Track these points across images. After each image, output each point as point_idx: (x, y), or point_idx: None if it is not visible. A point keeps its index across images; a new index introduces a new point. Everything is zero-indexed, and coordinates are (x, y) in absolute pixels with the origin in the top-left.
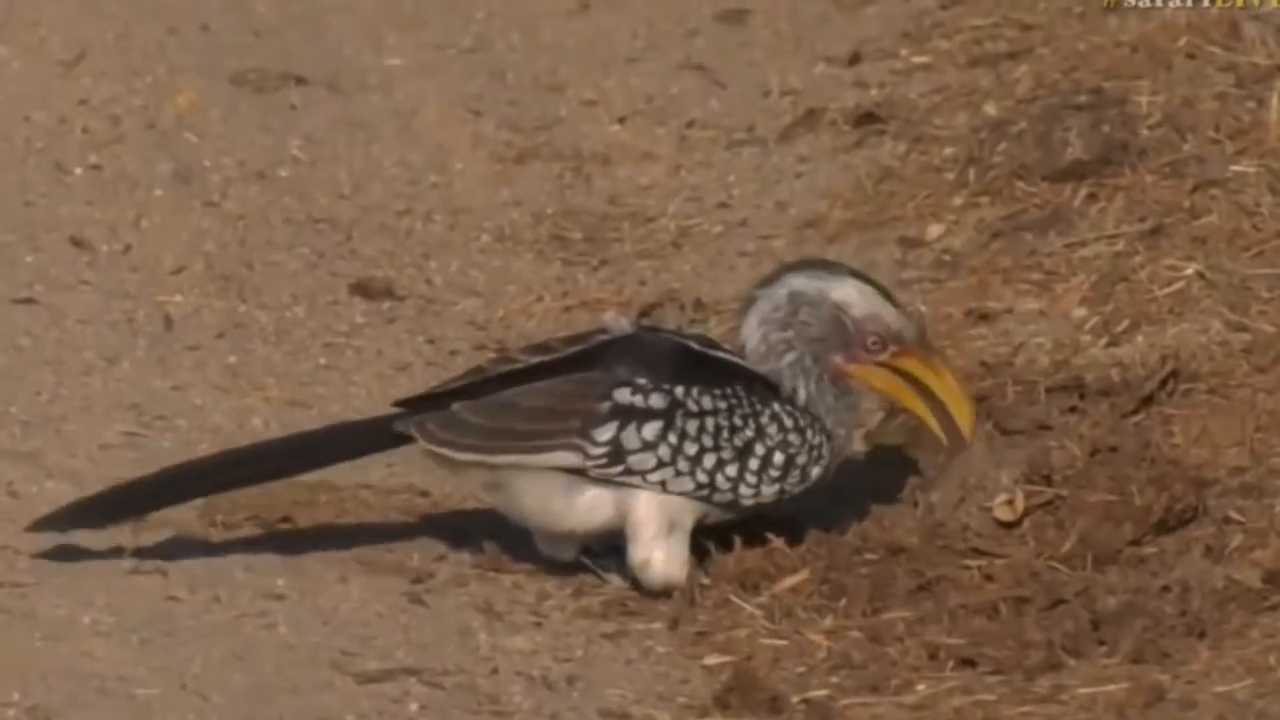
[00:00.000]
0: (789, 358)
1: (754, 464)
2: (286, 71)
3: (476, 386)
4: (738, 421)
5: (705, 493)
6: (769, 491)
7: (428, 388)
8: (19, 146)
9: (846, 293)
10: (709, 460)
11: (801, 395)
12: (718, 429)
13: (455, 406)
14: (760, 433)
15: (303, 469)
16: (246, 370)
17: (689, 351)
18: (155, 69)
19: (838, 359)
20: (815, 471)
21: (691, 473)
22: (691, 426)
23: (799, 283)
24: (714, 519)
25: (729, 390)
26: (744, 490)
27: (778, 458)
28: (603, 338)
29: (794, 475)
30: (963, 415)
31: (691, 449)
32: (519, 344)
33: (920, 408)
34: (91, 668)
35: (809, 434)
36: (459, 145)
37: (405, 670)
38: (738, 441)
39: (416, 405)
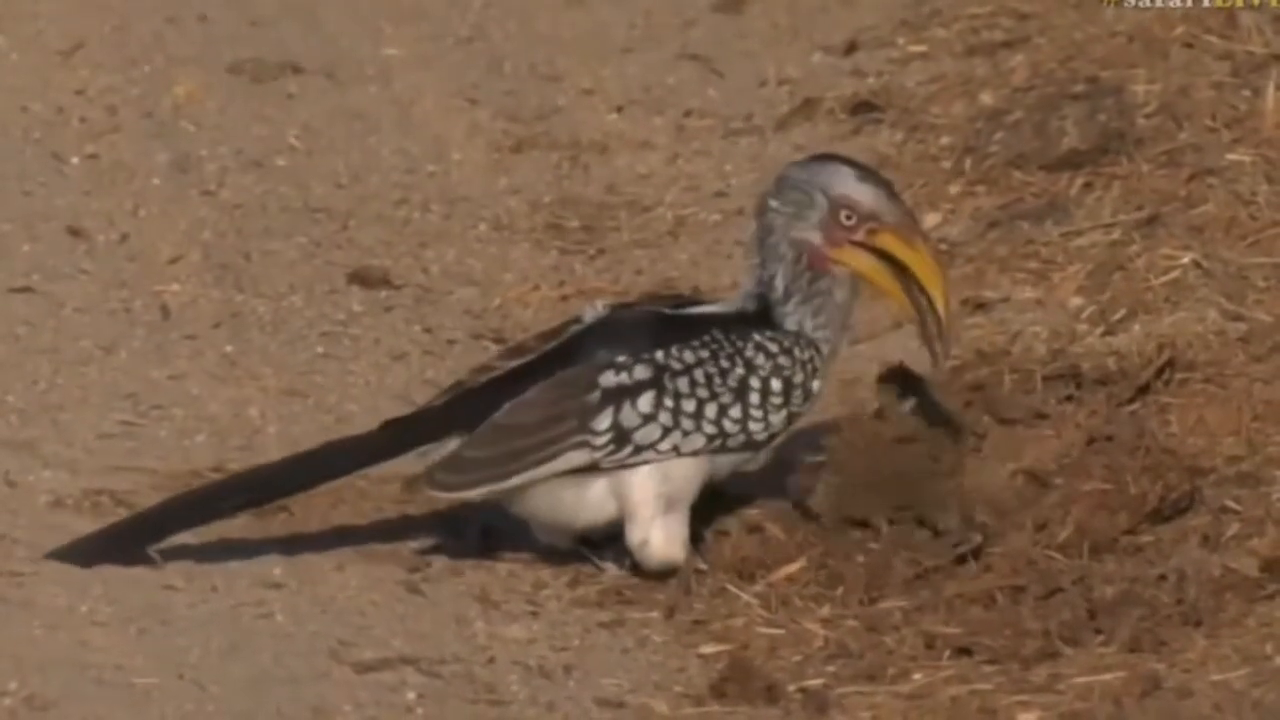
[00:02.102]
0: (769, 242)
1: (754, 398)
2: (284, 61)
3: (466, 409)
4: (724, 364)
5: (719, 442)
6: (778, 419)
7: (419, 405)
8: (17, 136)
9: (826, 172)
10: (710, 410)
11: (779, 285)
12: (708, 377)
13: (457, 446)
14: (750, 367)
15: (308, 486)
16: (244, 359)
17: (661, 316)
18: (153, 59)
19: (815, 239)
20: (816, 384)
21: (698, 428)
22: (683, 384)
23: (791, 171)
24: (719, 477)
25: (707, 337)
26: (754, 426)
27: (775, 384)
28: (576, 328)
29: (796, 395)
30: (936, 289)
31: (690, 405)
32: (514, 335)
33: (894, 289)
34: (89, 657)
35: (797, 351)
36: (456, 135)
37: (402, 659)
38: (731, 382)
39: (406, 425)
